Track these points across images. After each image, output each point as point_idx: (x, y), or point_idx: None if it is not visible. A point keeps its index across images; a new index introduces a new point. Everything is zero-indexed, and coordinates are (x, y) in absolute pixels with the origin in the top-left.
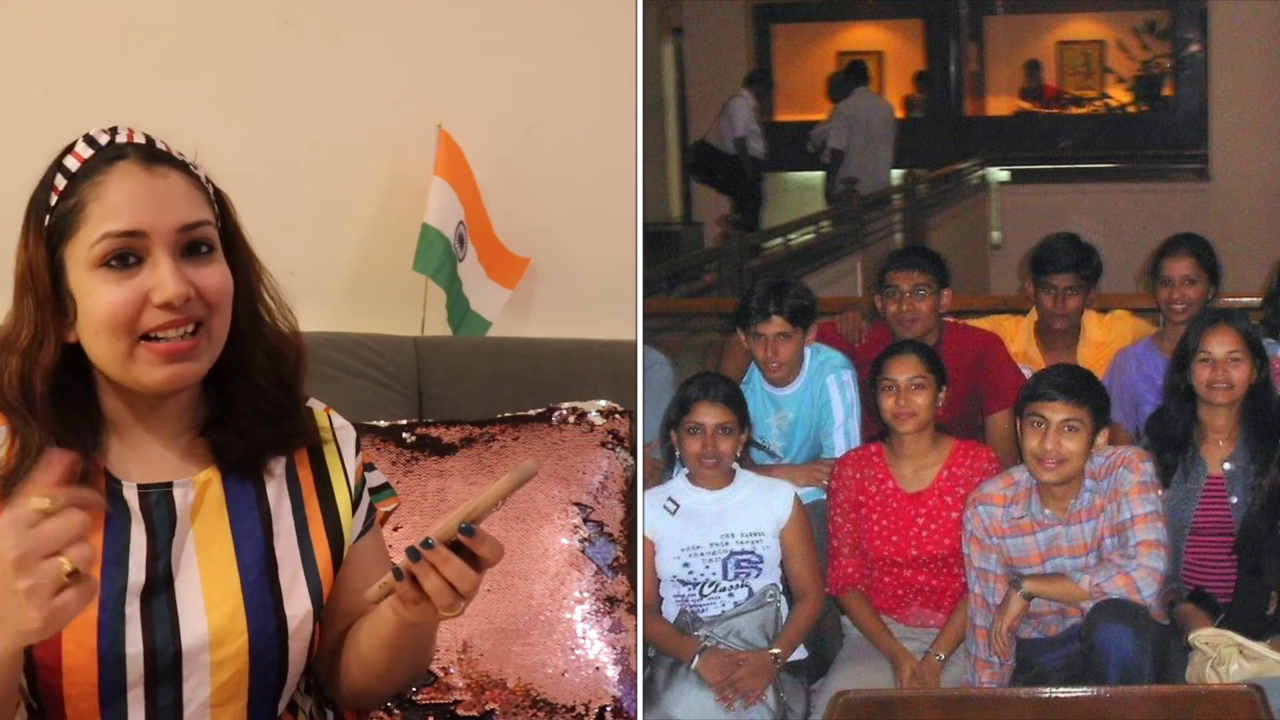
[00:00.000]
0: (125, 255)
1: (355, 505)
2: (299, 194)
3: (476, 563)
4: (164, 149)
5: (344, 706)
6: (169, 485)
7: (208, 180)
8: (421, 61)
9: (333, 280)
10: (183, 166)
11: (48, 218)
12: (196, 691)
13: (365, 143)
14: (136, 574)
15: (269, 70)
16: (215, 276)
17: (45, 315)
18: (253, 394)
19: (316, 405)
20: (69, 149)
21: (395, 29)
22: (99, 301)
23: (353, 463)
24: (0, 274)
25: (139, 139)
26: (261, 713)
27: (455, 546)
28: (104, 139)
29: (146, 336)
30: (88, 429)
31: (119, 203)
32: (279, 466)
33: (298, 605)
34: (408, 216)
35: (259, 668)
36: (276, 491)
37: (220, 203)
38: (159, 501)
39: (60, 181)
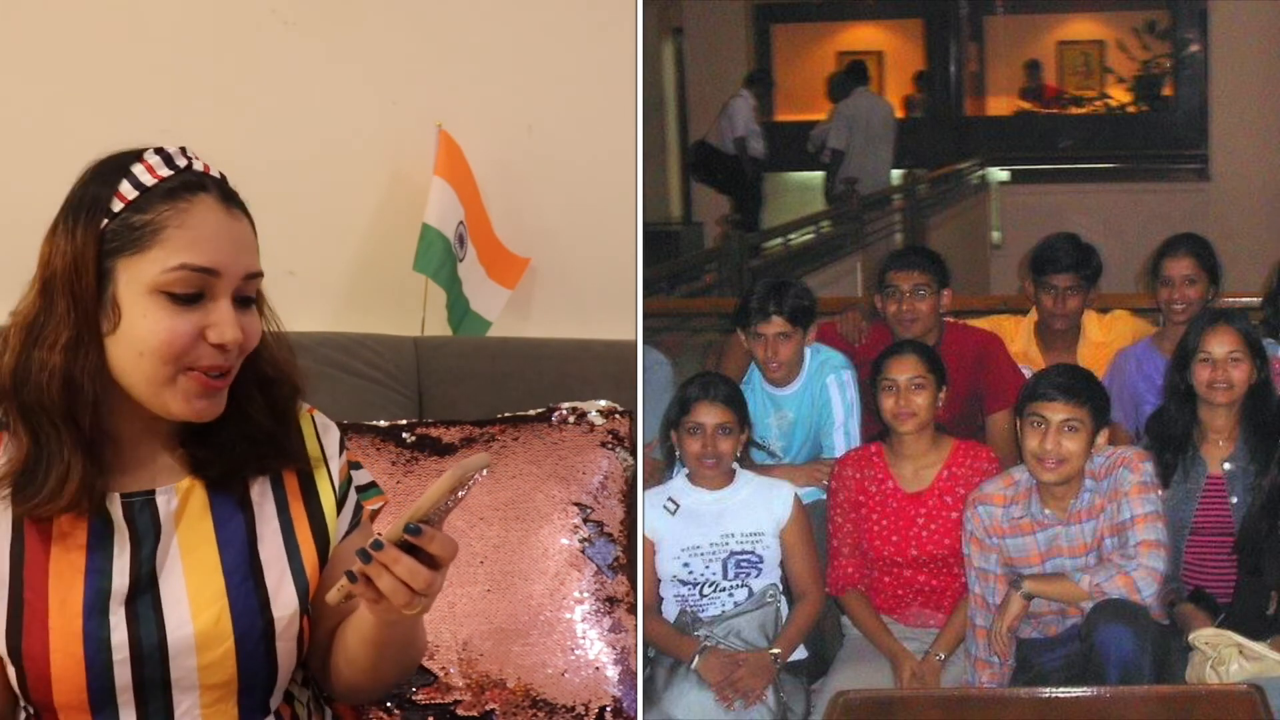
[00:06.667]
0: (193, 290)
1: (340, 503)
2: (299, 194)
3: (431, 560)
4: (233, 190)
5: (339, 701)
6: (151, 493)
7: None
8: (421, 61)
9: (333, 280)
10: (247, 212)
11: (105, 220)
12: (186, 695)
13: (365, 143)
14: (120, 581)
15: (269, 70)
16: (255, 326)
17: (85, 317)
18: (240, 419)
19: (301, 406)
20: (136, 156)
21: (395, 29)
22: (156, 327)
23: (336, 461)
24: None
25: (214, 173)
26: (252, 709)
27: (409, 546)
28: (180, 161)
29: (190, 367)
30: (104, 439)
31: (203, 237)
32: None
33: (284, 606)
34: (408, 216)
35: (247, 669)
36: (260, 493)
37: None
38: (142, 509)
39: (129, 190)
